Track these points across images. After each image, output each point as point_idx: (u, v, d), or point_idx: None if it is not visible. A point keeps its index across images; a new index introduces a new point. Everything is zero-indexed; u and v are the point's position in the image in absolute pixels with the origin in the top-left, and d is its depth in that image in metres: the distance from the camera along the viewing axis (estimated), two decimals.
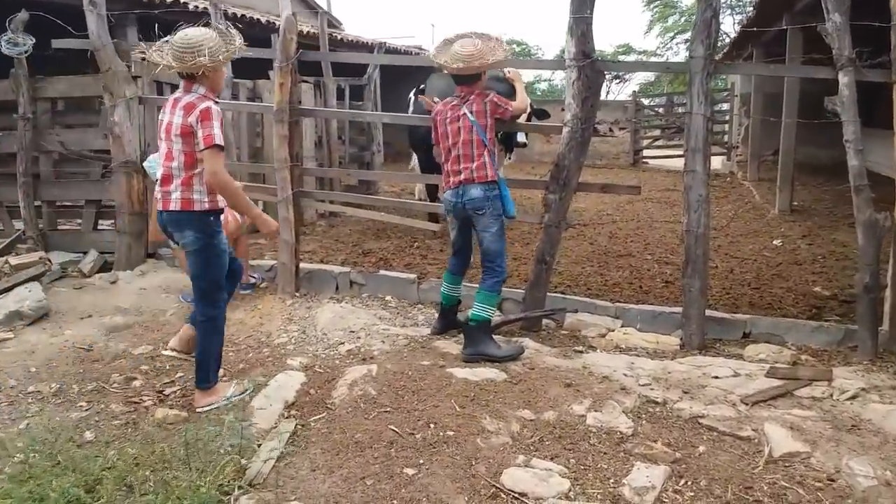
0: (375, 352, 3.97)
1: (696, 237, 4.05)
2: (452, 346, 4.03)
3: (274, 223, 3.50)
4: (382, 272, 5.17)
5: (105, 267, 5.48)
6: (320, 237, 6.79)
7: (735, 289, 5.36)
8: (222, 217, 3.37)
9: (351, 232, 6.99)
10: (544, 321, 4.47)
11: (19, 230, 5.53)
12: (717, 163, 14.84)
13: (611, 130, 17.18)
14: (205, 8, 8.41)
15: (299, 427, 3.10)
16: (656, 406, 3.31)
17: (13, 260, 4.97)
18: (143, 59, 3.33)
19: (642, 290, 5.32)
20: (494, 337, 3.93)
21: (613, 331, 4.36)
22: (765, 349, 3.98)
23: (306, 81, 7.53)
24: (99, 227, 5.66)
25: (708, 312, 4.28)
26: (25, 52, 5.32)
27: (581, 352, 4.01)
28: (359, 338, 4.19)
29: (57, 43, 5.21)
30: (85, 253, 5.48)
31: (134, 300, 4.88)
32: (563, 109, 4.29)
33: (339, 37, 13.81)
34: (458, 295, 4.22)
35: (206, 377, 3.30)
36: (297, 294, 4.95)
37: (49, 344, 4.15)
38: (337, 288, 5.16)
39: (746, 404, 3.29)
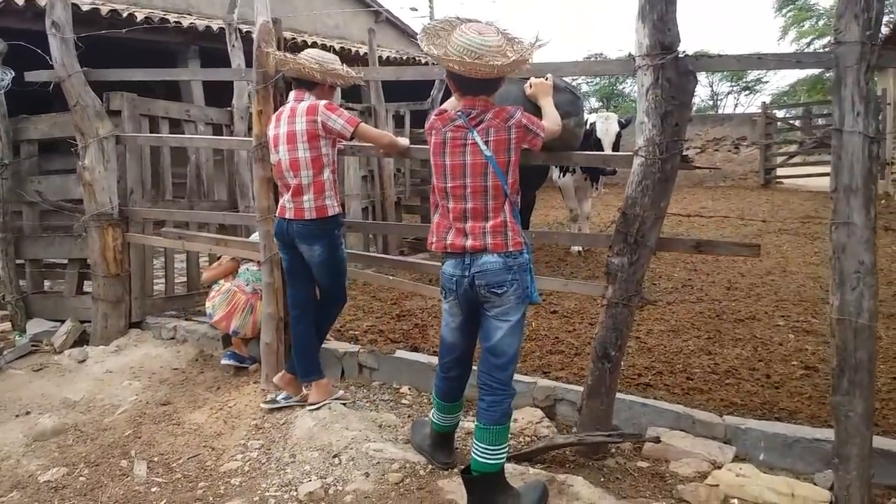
0: (348, 497, 2.70)
1: (856, 331, 2.48)
2: (462, 489, 2.69)
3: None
4: (399, 353, 3.89)
5: (84, 338, 4.59)
6: (358, 290, 5.64)
7: None
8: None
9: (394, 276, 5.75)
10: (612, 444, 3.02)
11: (2, 294, 4.77)
12: None
13: (736, 148, 15.11)
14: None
15: None
16: None
17: None
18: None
19: (770, 381, 3.71)
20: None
21: (720, 467, 2.82)
22: None
23: (351, 109, 6.48)
24: (86, 291, 4.78)
25: (876, 441, 2.67)
26: (4, 88, 4.58)
27: None
28: (337, 464, 2.93)
29: (29, 76, 4.41)
30: (63, 322, 4.63)
31: (90, 389, 3.90)
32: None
33: (423, 60, 12.85)
34: (457, 421, 2.91)
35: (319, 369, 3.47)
36: None
37: None
38: (342, 374, 3.95)
39: None
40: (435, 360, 3.79)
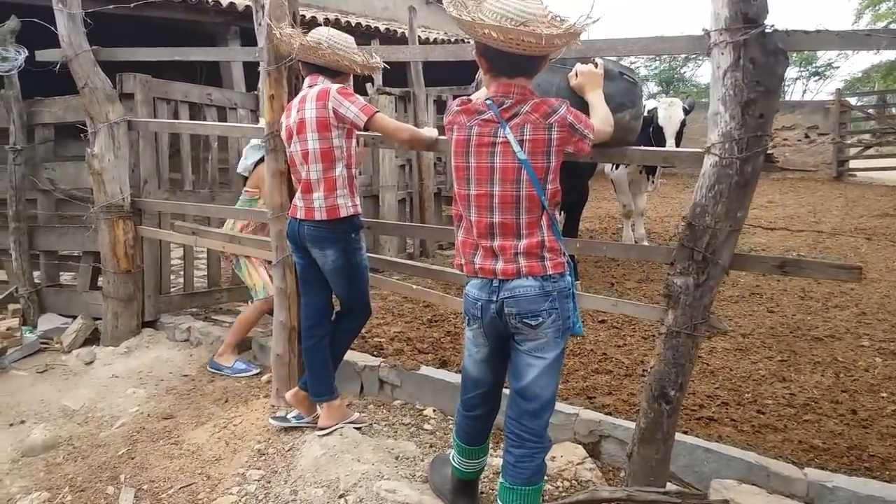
0: None
1: None
2: None
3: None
4: (424, 370, 3.46)
5: (97, 336, 4.31)
6: (389, 290, 5.23)
7: None
8: None
9: (433, 282, 5.33)
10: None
11: (15, 287, 4.54)
12: None
13: (807, 137, 14.14)
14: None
15: None
16: None
17: None
18: None
19: (856, 418, 3.16)
20: None
21: None
22: None
23: (388, 93, 6.05)
24: (100, 286, 4.49)
25: None
26: (17, 68, 4.31)
27: None
28: None
29: (41, 55, 4.13)
30: (75, 318, 4.36)
31: (91, 396, 3.61)
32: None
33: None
34: (482, 466, 2.46)
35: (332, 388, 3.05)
36: None
37: None
38: (361, 389, 3.55)
39: None
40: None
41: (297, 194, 2.95)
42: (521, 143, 2.00)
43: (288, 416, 3.15)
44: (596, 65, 2.59)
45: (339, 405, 3.06)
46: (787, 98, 25.55)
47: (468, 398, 2.31)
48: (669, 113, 5.82)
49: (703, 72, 27.20)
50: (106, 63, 4.11)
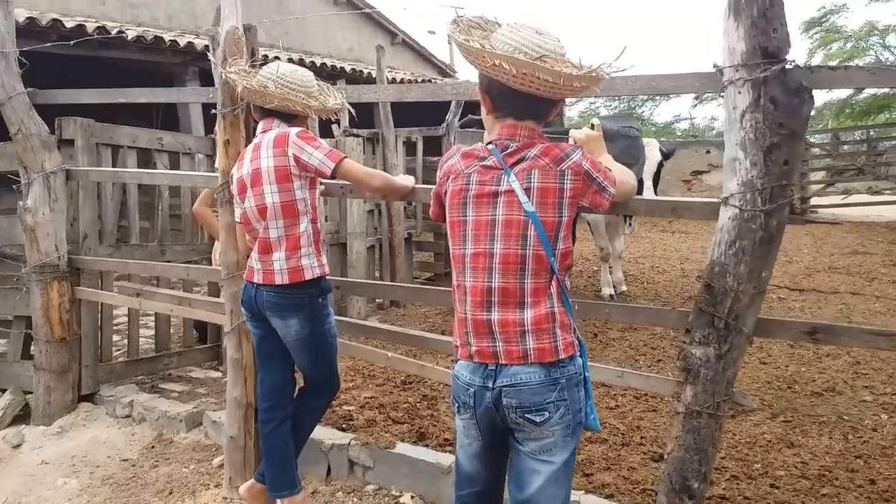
0: None
1: None
2: None
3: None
4: (400, 448, 3.05)
5: (29, 412, 3.81)
6: (361, 343, 4.82)
7: None
8: None
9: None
10: None
11: None
12: None
13: None
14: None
15: None
16: None
17: None
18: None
19: (876, 490, 2.88)
20: None
21: None
22: None
23: (355, 135, 5.74)
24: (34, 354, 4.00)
25: None
26: None
27: None
28: None
29: None
30: (4, 391, 3.86)
31: (16, 489, 3.11)
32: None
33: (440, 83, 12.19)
34: None
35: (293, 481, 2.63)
36: None
37: None
38: (328, 472, 3.13)
39: None
40: (444, 457, 2.96)
41: (253, 255, 2.58)
42: (527, 191, 1.68)
43: None
44: (592, 126, 2.30)
45: (303, 500, 2.64)
46: None
47: (463, 495, 1.92)
48: (647, 154, 5.63)
49: (660, 111, 27.62)
50: (51, 107, 3.73)
